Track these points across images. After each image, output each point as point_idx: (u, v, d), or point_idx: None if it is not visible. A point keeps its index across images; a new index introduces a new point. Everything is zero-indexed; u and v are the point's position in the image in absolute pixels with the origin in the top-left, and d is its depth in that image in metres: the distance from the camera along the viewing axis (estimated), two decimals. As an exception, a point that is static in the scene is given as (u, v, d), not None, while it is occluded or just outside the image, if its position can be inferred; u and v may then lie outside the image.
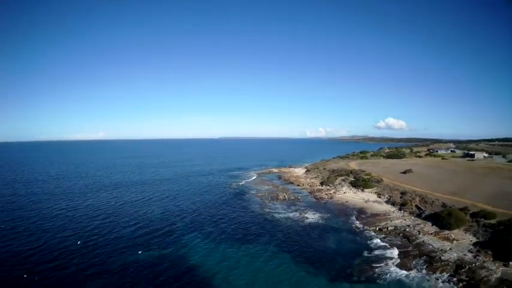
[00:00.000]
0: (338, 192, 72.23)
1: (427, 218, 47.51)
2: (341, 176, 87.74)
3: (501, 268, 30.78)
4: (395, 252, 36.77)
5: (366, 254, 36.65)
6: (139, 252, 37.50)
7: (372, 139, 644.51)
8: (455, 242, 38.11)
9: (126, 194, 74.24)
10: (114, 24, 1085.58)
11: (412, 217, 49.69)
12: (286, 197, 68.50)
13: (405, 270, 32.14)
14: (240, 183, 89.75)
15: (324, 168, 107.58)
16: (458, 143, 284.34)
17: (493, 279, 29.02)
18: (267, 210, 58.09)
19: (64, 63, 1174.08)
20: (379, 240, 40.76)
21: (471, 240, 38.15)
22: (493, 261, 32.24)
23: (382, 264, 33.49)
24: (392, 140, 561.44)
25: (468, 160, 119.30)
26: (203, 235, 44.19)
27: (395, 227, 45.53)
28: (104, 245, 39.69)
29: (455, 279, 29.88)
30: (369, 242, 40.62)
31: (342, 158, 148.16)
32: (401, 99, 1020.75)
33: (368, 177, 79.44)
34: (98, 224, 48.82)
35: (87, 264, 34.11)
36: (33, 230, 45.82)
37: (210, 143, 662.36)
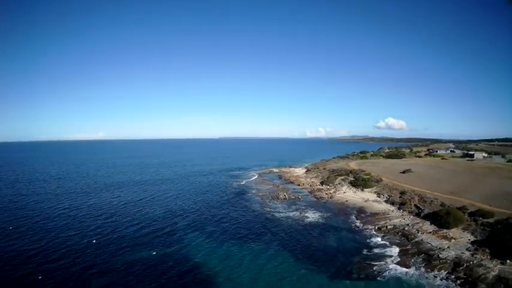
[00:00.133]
0: (338, 192, 72.80)
1: (426, 217, 48.07)
2: (341, 175, 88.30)
3: (498, 266, 31.24)
4: (394, 250, 37.37)
5: (365, 252, 37.26)
6: (143, 251, 38.03)
7: (372, 139, 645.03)
8: (453, 240, 38.68)
9: (128, 194, 74.78)
10: (114, 24, 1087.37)
11: (411, 216, 50.27)
12: (287, 196, 69.08)
13: (404, 267, 32.74)
14: (241, 183, 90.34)
15: (324, 168, 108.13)
16: (458, 143, 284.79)
17: (490, 277, 29.52)
18: (268, 209, 58.66)
19: (64, 63, 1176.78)
20: (378, 239, 41.39)
21: (469, 239, 38.71)
22: (490, 259, 32.74)
23: (381, 262, 34.08)
24: (392, 140, 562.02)
25: (467, 160, 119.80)
26: (205, 234, 44.76)
27: (395, 225, 46.12)
28: (107, 244, 40.15)
29: (453, 276, 30.42)
30: (368, 240, 41.24)
31: (341, 158, 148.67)
32: (401, 99, 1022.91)
33: (368, 177, 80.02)
34: (101, 224, 49.30)
35: (91, 263, 34.54)
36: (36, 230, 46.22)
37: (210, 143, 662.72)
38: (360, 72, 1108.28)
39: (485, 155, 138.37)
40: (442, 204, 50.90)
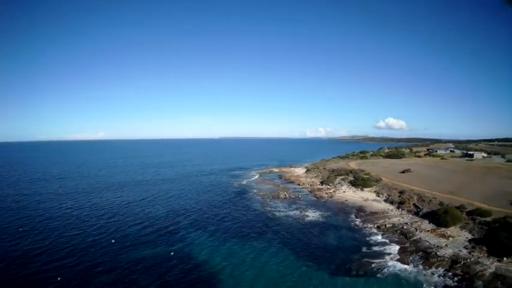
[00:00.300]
0: (338, 191, 73.50)
1: (425, 216, 48.77)
2: (341, 175, 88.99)
3: (495, 263, 31.86)
4: (393, 248, 38.12)
5: (364, 249, 38.01)
6: (147, 249, 38.67)
7: (372, 139, 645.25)
8: (451, 238, 39.39)
9: (130, 194, 75.43)
10: (114, 24, 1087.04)
11: (410, 215, 50.99)
12: (287, 195, 69.79)
13: (402, 265, 33.48)
14: (242, 183, 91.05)
15: (324, 168, 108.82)
16: (458, 143, 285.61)
17: (487, 274, 30.12)
18: (269, 208, 59.37)
19: (64, 63, 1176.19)
20: (377, 237, 42.15)
21: (466, 237, 39.41)
22: (487, 256, 33.38)
23: (380, 260, 34.83)
24: (392, 140, 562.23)
25: (467, 160, 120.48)
26: (208, 233, 45.45)
27: (393, 224, 46.85)
28: (111, 243, 40.69)
29: (450, 273, 31.11)
30: (367, 238, 41.98)
31: (341, 157, 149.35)
32: (401, 99, 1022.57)
33: (367, 176, 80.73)
34: (104, 223, 49.88)
35: (96, 261, 35.02)
36: (40, 229, 46.60)
37: (210, 143, 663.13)
38: (359, 72, 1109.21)
39: (485, 155, 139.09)
40: (441, 204, 51.59)
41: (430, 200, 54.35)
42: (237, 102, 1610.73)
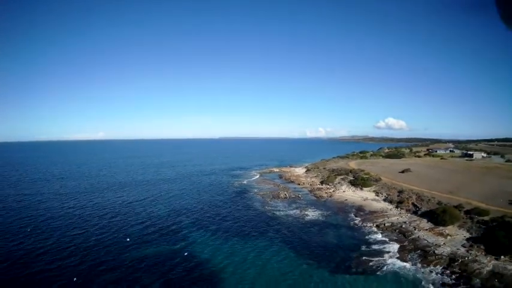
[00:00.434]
0: (337, 191, 74.03)
1: (423, 215, 49.28)
2: (340, 175, 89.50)
3: (492, 262, 32.29)
4: (391, 246, 38.66)
5: (363, 248, 38.56)
6: (150, 248, 39.20)
7: (372, 139, 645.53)
8: (449, 237, 39.89)
9: (131, 194, 75.94)
10: (114, 24, 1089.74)
11: (409, 214, 51.52)
12: (288, 195, 70.30)
13: (401, 263, 34.05)
14: (242, 182, 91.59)
15: (323, 168, 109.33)
16: (458, 143, 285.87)
17: (485, 272, 30.55)
18: (269, 208, 59.92)
19: (64, 63, 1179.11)
20: (376, 236, 42.71)
21: (464, 236, 39.89)
22: (485, 255, 33.81)
23: (379, 258, 35.39)
24: (392, 140, 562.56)
25: (466, 160, 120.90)
26: (210, 232, 45.99)
27: (392, 223, 47.39)
28: (114, 242, 41.16)
29: (448, 271, 31.58)
30: (366, 237, 42.54)
31: (341, 157, 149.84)
32: (401, 99, 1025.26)
33: (367, 176, 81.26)
34: (107, 223, 50.31)
35: (99, 260, 35.47)
36: (42, 229, 46.90)
37: (210, 143, 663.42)
38: (359, 72, 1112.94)
39: (484, 155, 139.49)
40: (439, 203, 52.10)
41: (429, 200, 54.87)
42: (237, 102, 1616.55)
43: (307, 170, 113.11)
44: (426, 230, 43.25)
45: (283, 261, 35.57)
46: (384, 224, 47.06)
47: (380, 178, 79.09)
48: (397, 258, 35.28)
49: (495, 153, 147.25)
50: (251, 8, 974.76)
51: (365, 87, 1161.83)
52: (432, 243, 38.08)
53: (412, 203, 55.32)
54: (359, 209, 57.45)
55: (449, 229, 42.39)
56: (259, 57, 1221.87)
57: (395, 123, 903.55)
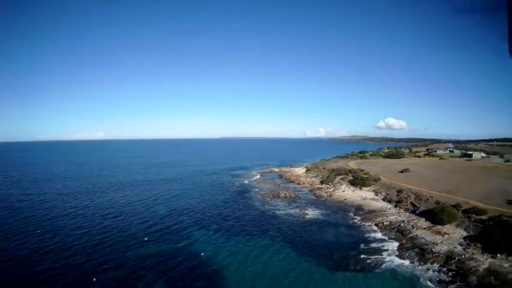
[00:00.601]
0: (337, 191, 74.76)
1: (421, 214, 49.98)
2: (340, 175, 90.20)
3: (489, 260, 32.88)
4: (390, 244, 39.39)
5: (363, 246, 39.28)
6: (153, 247, 39.81)
7: (372, 139, 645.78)
8: (446, 235, 40.59)
9: (133, 193, 76.53)
10: (114, 24, 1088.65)
11: (407, 213, 52.23)
12: (288, 195, 71.02)
13: (399, 260, 34.80)
14: (243, 182, 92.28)
15: (323, 168, 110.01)
16: (457, 143, 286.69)
17: (481, 270, 31.15)
18: (270, 207, 60.64)
19: (63, 63, 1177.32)
20: (375, 234, 43.43)
21: (462, 235, 40.56)
22: (481, 253, 34.44)
23: (377, 256, 36.11)
24: (392, 140, 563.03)
25: (466, 160, 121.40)
26: (212, 231, 46.66)
27: (391, 222, 48.12)
28: (118, 242, 41.66)
29: (445, 269, 32.24)
30: (365, 235, 43.24)
31: (341, 157, 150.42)
32: (401, 99, 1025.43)
33: (366, 176, 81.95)
34: (110, 222, 50.81)
35: (104, 259, 35.95)
36: (46, 228, 47.27)
37: (211, 143, 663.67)
38: (359, 72, 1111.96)
39: (484, 155, 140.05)
40: (437, 202, 52.80)
41: (427, 199, 55.57)
42: (237, 102, 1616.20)
43: (307, 170, 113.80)
44: (424, 228, 43.97)
45: (285, 259, 36.26)
46: (383, 223, 47.80)
47: (379, 178, 79.76)
48: (396, 256, 36.00)
49: (494, 153, 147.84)
50: (251, 7, 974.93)
51: (365, 87, 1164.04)
52: (430, 242, 38.78)
53: (411, 202, 56.05)
54: (358, 208, 58.18)
55: (446, 228, 43.09)
56: (259, 57, 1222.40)
57: (395, 123, 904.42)
